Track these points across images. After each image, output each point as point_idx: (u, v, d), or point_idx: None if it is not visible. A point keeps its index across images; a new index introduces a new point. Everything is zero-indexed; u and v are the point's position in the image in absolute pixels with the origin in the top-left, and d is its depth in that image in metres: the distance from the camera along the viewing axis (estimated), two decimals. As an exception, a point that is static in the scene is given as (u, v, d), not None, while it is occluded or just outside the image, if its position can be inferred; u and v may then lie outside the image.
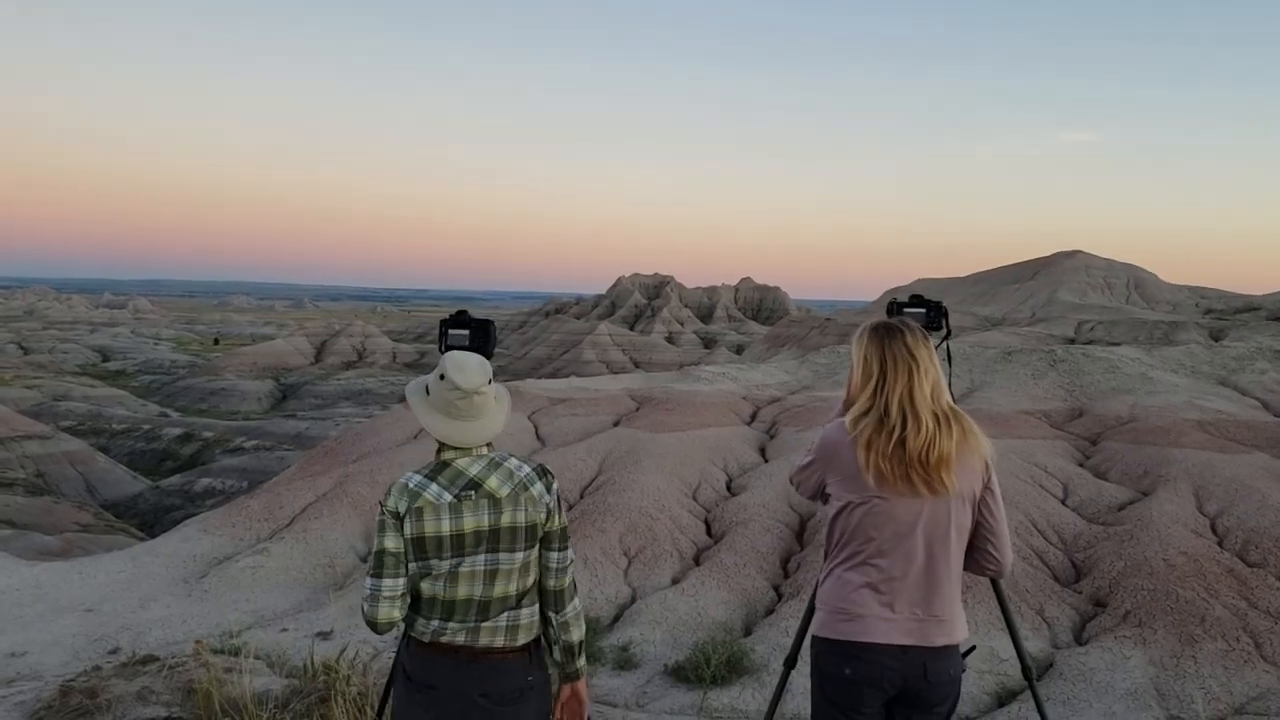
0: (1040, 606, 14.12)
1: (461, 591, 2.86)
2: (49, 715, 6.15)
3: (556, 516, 3.03)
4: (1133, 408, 21.46)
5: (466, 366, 2.98)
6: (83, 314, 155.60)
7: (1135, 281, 64.45)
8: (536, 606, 3.03)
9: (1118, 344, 32.31)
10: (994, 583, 3.71)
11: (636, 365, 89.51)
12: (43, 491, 44.17)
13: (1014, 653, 12.18)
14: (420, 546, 2.84)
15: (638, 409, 23.35)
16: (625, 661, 13.61)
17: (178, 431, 64.13)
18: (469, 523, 2.86)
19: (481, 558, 2.87)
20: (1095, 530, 15.98)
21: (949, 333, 3.90)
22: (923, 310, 3.82)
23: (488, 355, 3.39)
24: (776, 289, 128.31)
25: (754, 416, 23.09)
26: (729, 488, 19.27)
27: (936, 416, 2.92)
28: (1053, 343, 39.72)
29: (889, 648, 2.91)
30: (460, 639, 2.88)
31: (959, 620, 3.01)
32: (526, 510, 2.93)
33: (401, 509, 2.85)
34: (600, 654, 13.70)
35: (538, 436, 21.94)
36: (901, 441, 2.87)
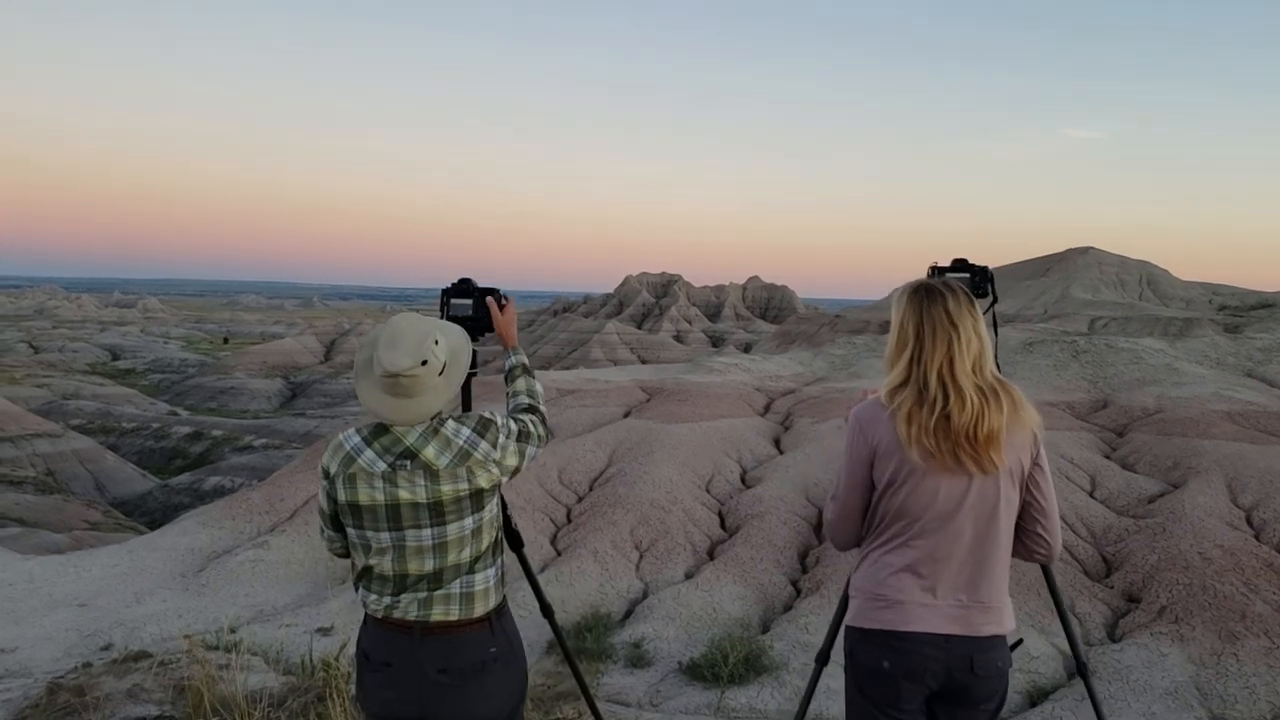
0: (1071, 602, 13.51)
1: (411, 565, 2.69)
2: (35, 714, 5.70)
3: (514, 453, 2.79)
4: (1159, 399, 20.82)
5: (399, 342, 2.69)
6: (92, 313, 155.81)
7: (1148, 278, 63.58)
8: (493, 570, 2.81)
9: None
10: (1044, 570, 3.54)
11: (644, 364, 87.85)
12: (52, 490, 44.05)
13: (1046, 650, 11.50)
14: (356, 514, 2.69)
15: (648, 400, 22.77)
16: (638, 659, 13.04)
17: (187, 430, 63.99)
18: (404, 494, 2.66)
19: (427, 531, 2.68)
20: (1126, 523, 15.36)
21: (995, 299, 3.63)
22: (967, 275, 3.59)
23: (491, 327, 3.30)
24: (784, 288, 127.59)
25: (768, 408, 22.50)
26: (743, 479, 18.68)
27: (981, 390, 2.63)
28: (1059, 340, 38.95)
29: (931, 637, 2.66)
30: (413, 613, 2.71)
31: (1007, 608, 2.72)
32: (470, 479, 2.70)
33: (332, 468, 2.70)
34: (611, 651, 13.14)
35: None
36: (945, 416, 2.60)
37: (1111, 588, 14.11)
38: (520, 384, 3.16)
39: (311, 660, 10.90)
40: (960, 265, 3.69)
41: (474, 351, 3.16)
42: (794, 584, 15.11)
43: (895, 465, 2.68)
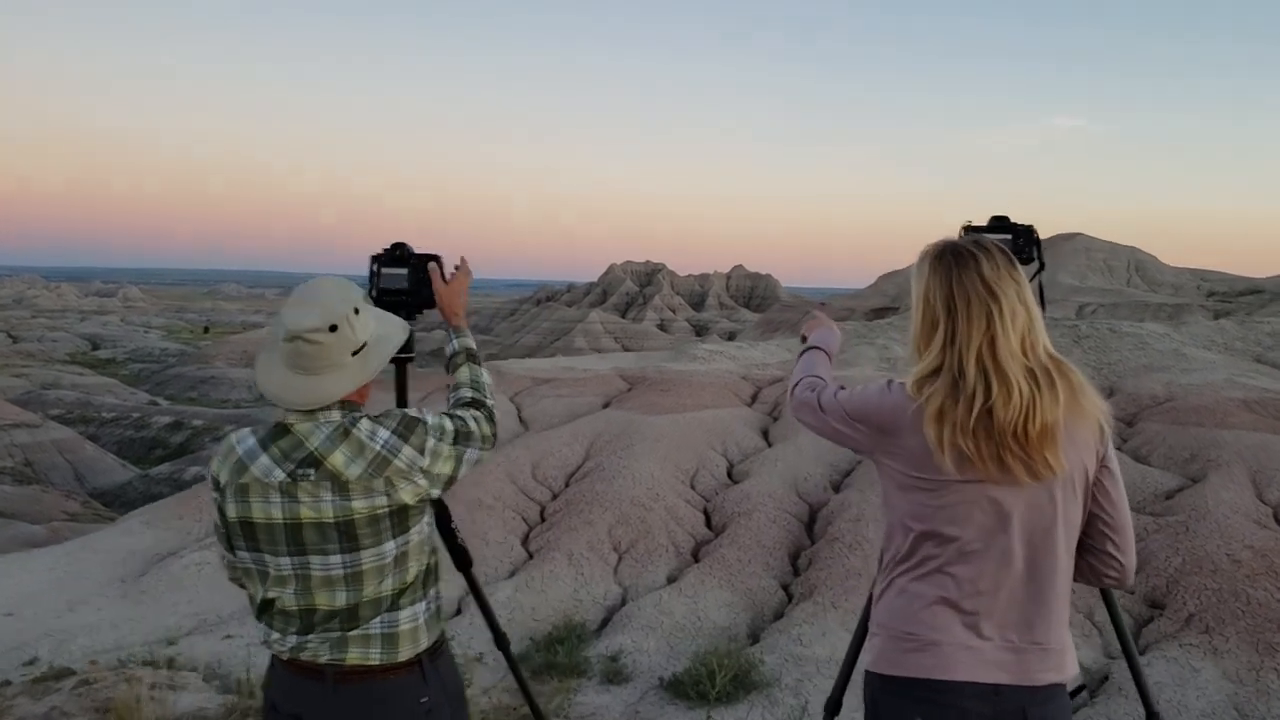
0: (1089, 609, 12.31)
1: (319, 599, 2.28)
2: (-64, 744, 5.09)
3: (448, 458, 2.40)
4: (1169, 386, 19.65)
5: (311, 299, 2.31)
6: (72, 302, 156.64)
7: (1136, 264, 63.97)
8: (424, 604, 2.43)
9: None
10: (1105, 595, 3.29)
11: (628, 352, 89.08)
12: (31, 480, 43.93)
13: (1091, 683, 10.19)
14: (250, 534, 2.29)
15: (629, 389, 21.49)
16: (615, 674, 11.81)
17: (167, 420, 63.93)
18: (306, 511, 2.25)
19: (337, 558, 2.26)
20: (1144, 521, 14.17)
21: (1043, 266, 3.16)
22: (1008, 236, 3.11)
23: (431, 302, 2.99)
24: (768, 277, 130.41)
25: (755, 397, 21.24)
26: (730, 474, 17.44)
27: (1032, 374, 2.19)
28: (1057, 324, 38.37)
29: (976, 687, 2.20)
30: (324, 655, 2.31)
31: (1069, 650, 2.30)
32: (389, 492, 2.29)
33: (223, 477, 2.32)
34: (586, 666, 11.90)
35: (520, 419, 20.08)
36: (988, 411, 2.15)
37: (1132, 592, 12.92)
38: (464, 373, 2.79)
39: (250, 678, 9.46)
40: (999, 224, 3.16)
41: (410, 335, 2.80)
42: (785, 588, 13.89)
43: (920, 471, 2.23)
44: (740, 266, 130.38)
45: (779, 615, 13.19)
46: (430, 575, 2.48)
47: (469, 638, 11.81)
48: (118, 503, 43.58)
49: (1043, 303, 2.79)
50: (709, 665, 11.09)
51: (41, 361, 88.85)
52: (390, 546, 2.32)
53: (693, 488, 16.76)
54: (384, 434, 2.32)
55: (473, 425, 2.51)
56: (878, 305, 60.03)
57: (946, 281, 2.28)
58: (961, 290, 2.24)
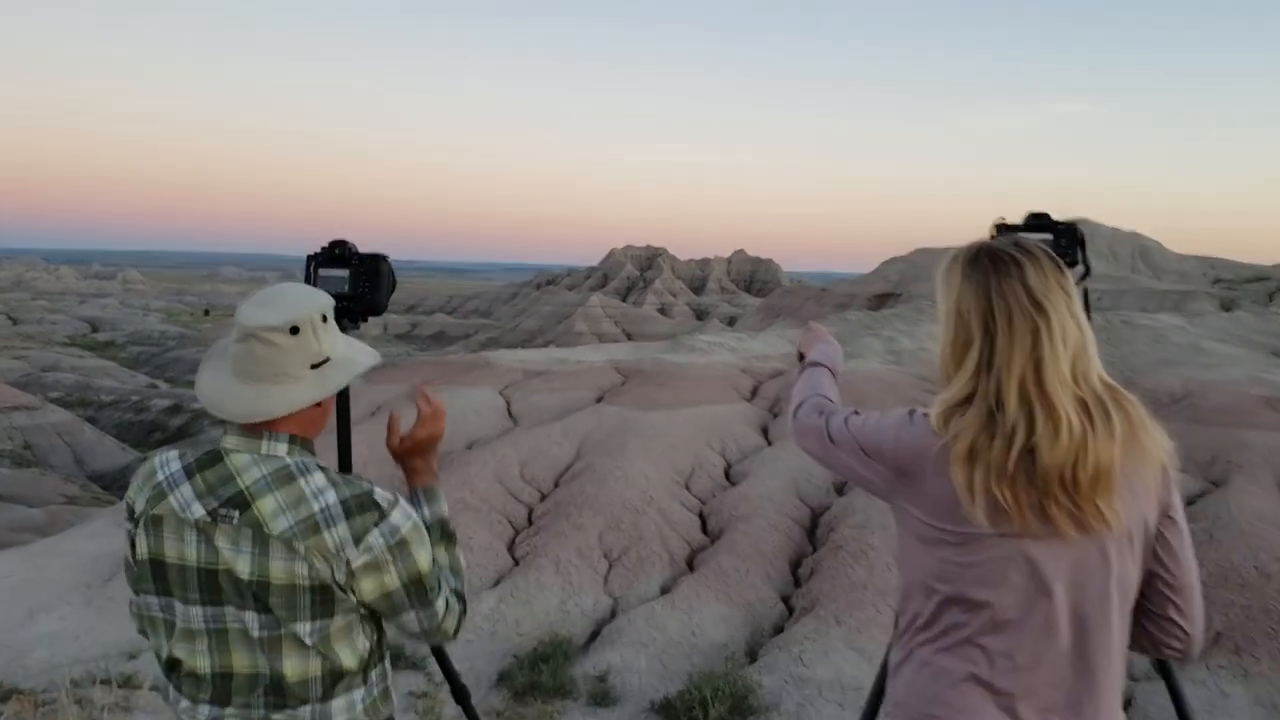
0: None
1: (237, 660, 1.88)
2: None
3: (386, 574, 1.90)
4: (1187, 382, 18.84)
5: (275, 298, 1.93)
6: (72, 285, 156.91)
7: (1141, 250, 63.72)
8: (362, 691, 1.97)
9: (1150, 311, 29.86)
10: (1163, 668, 2.88)
11: (629, 337, 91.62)
12: (30, 463, 43.82)
13: None
14: (160, 575, 1.90)
15: (624, 383, 20.71)
16: (603, 696, 11.06)
17: (167, 403, 63.66)
18: (223, 557, 1.85)
19: (252, 614, 1.86)
20: (1165, 529, 13.40)
21: (1088, 271, 2.76)
22: (1048, 237, 2.63)
23: (377, 307, 2.63)
24: (769, 261, 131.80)
25: (755, 392, 20.48)
26: (728, 475, 16.69)
27: (1085, 406, 1.76)
28: None
29: None
30: None
31: None
32: (311, 562, 1.83)
33: (138, 505, 1.94)
34: (572, 686, 11.15)
35: (509, 415, 19.32)
36: (1030, 451, 1.74)
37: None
38: (440, 556, 2.12)
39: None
40: (1038, 223, 2.68)
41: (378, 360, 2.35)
42: (785, 600, 13.15)
43: (945, 521, 1.82)
44: (741, 251, 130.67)
45: (779, 629, 12.44)
46: (376, 654, 2.04)
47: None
48: (116, 486, 43.10)
49: (1089, 315, 2.25)
50: (703, 690, 10.34)
51: (41, 344, 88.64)
52: (307, 628, 1.88)
53: (688, 489, 16.00)
54: (331, 497, 1.89)
55: (439, 604, 2.01)
56: (880, 291, 59.35)
57: (983, 292, 1.88)
58: (1002, 302, 1.85)
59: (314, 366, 1.95)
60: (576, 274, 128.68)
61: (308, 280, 2.60)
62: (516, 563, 14.02)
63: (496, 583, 13.47)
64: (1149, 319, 23.41)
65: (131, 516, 1.98)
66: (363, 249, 2.71)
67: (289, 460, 1.91)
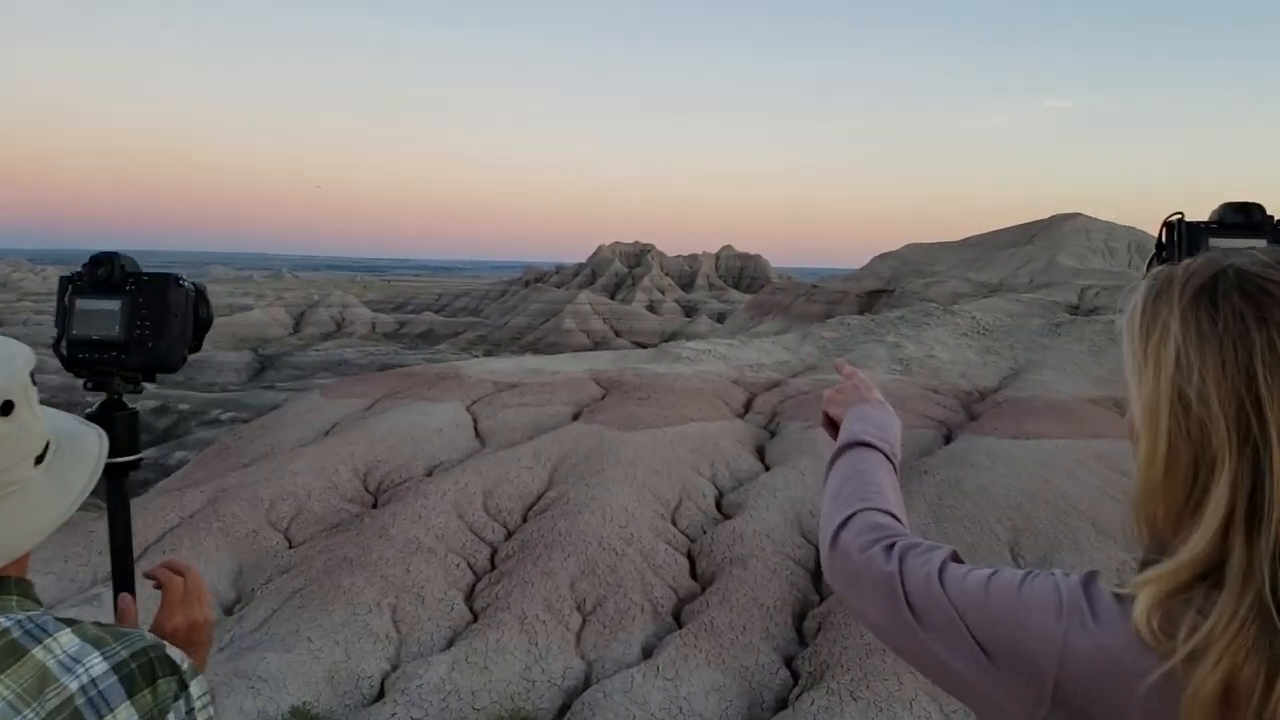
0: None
1: None
2: None
3: None
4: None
5: None
6: (57, 286, 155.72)
7: (1137, 245, 63.32)
8: None
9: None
10: None
11: (618, 334, 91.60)
12: None
13: None
14: None
15: (603, 396, 18.72)
16: (570, 794, 9.15)
17: (153, 404, 62.97)
18: None
19: None
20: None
21: None
22: (1261, 242, 1.40)
23: (168, 361, 1.79)
24: (758, 257, 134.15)
25: (748, 406, 18.51)
26: (719, 505, 14.73)
27: None
28: (1058, 310, 36.25)
29: None
30: None
31: None
32: None
33: None
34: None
35: (476, 433, 17.32)
36: None
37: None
38: None
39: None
40: (1243, 220, 1.47)
41: (133, 418, 1.76)
42: (789, 664, 11.19)
43: None
44: (729, 247, 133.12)
45: (782, 703, 10.49)
46: None
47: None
48: (100, 488, 43.36)
49: None
50: (691, 794, 8.42)
51: (27, 346, 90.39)
52: None
53: (674, 524, 14.03)
54: (97, 666, 1.17)
55: None
56: (872, 288, 57.74)
57: (1242, 361, 0.95)
58: (1270, 388, 0.94)
59: (38, 460, 1.29)
60: (565, 271, 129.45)
61: (60, 314, 1.77)
62: (475, 617, 12.06)
63: (450, 643, 11.52)
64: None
65: None
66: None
67: (7, 623, 1.19)
